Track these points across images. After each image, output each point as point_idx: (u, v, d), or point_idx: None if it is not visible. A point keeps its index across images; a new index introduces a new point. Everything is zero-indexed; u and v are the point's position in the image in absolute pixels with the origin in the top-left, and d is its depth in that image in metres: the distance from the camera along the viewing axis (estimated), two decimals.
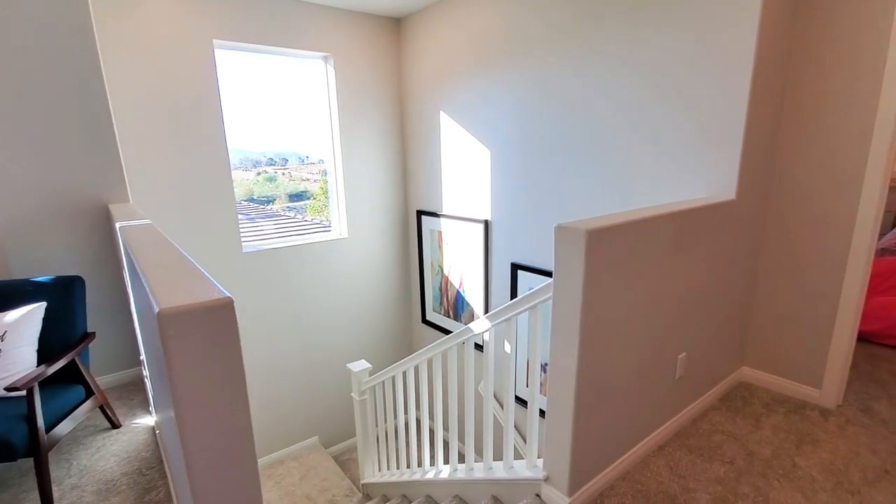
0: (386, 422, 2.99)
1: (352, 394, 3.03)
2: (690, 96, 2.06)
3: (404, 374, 2.75)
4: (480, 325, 1.92)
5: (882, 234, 4.21)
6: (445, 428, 3.77)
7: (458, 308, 3.75)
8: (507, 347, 1.91)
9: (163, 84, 2.88)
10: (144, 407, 2.34)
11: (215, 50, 3.03)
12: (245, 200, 3.62)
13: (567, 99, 2.60)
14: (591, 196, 2.57)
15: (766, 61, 1.89)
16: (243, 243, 3.41)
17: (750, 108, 1.88)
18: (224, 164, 3.17)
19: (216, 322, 0.64)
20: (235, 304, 3.28)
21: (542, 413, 2.78)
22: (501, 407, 3.31)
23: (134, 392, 2.50)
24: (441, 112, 3.47)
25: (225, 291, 0.67)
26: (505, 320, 1.80)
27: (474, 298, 3.55)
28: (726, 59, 1.90)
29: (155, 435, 2.09)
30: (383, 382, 2.89)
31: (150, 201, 2.96)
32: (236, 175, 3.48)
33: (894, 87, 1.78)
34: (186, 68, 2.94)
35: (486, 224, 3.29)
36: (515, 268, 3.11)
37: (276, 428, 3.76)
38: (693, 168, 2.09)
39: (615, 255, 1.50)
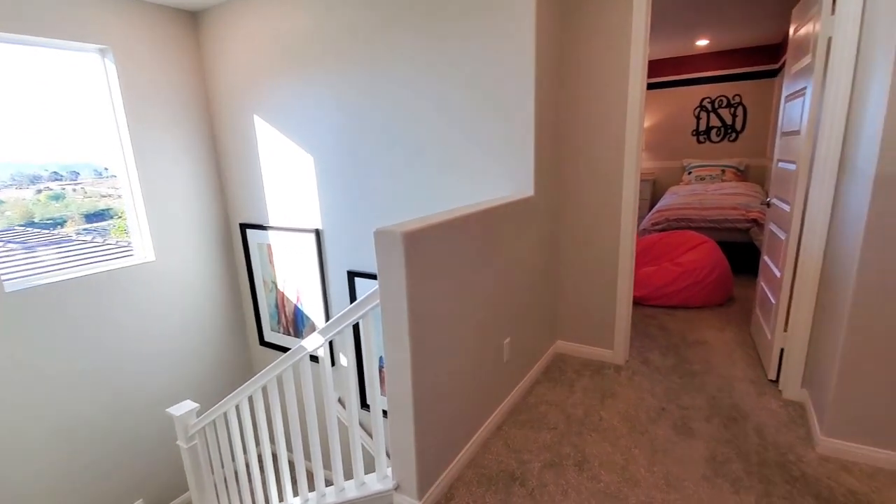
0: (223, 466, 2.65)
1: (178, 441, 2.62)
2: (495, 104, 2.25)
3: (237, 407, 2.47)
4: (313, 342, 1.82)
5: (641, 218, 5.27)
6: (289, 449, 3.52)
7: (297, 324, 3.54)
8: (344, 361, 1.85)
9: None
10: None
11: None
12: (22, 225, 2.85)
13: (382, 102, 2.62)
14: (417, 198, 2.65)
15: (543, 80, 2.19)
16: (6, 281, 2.67)
17: (536, 117, 2.15)
18: None
19: None
20: None
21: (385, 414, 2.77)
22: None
23: None
24: (255, 116, 3.21)
25: None
26: (338, 332, 1.74)
27: (314, 311, 3.38)
28: (515, 72, 2.14)
29: None
30: (214, 422, 2.56)
31: None
32: (7, 195, 2.73)
33: (635, 103, 2.22)
34: None
35: (318, 233, 3.16)
36: (352, 275, 3.05)
37: (84, 500, 3.04)
38: (503, 168, 2.30)
39: (434, 254, 1.56)
